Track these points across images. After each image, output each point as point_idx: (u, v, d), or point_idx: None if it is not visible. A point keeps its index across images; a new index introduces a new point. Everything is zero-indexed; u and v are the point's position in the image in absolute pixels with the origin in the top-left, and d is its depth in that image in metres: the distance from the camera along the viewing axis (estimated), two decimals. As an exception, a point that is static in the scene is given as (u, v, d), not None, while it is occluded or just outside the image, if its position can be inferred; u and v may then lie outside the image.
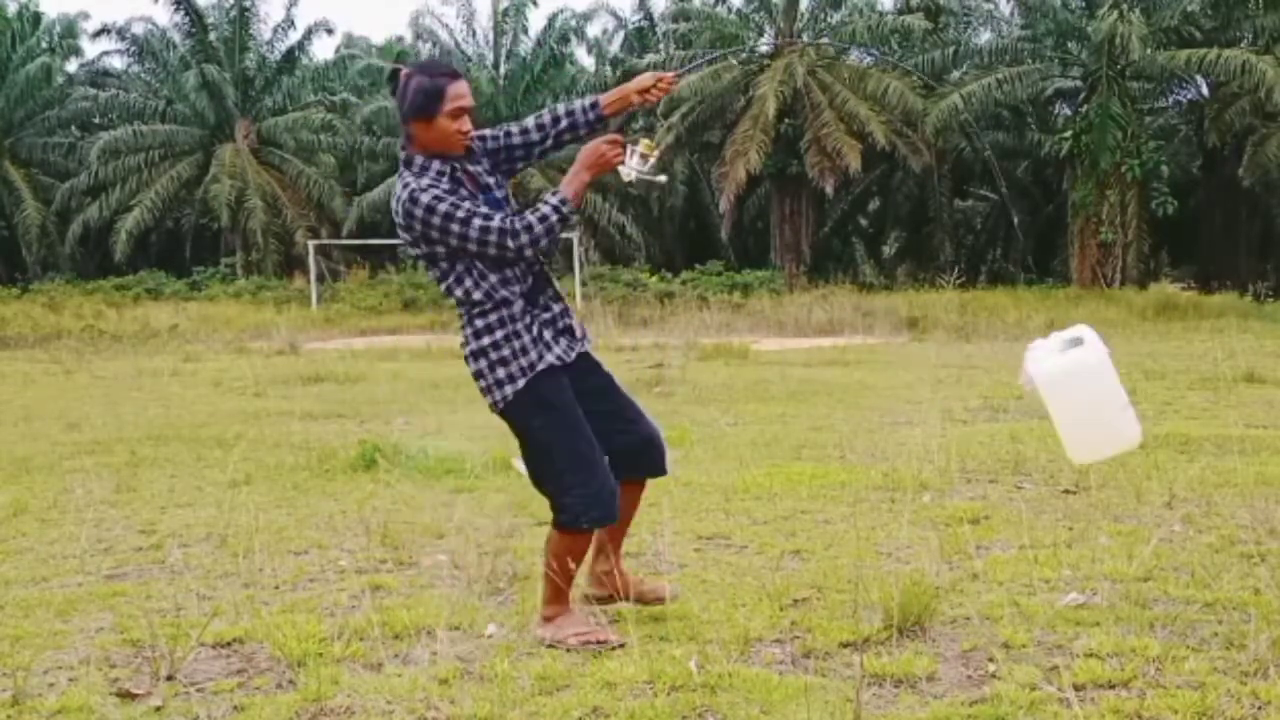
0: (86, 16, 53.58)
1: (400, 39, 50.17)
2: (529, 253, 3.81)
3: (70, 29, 43.39)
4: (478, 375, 3.90)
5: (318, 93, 41.18)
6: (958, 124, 31.97)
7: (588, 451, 3.86)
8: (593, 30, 40.92)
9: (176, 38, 39.03)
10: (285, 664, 3.86)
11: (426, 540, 5.59)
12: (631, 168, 3.90)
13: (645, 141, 3.94)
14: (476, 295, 3.82)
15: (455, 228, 3.73)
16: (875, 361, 16.03)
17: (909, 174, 35.95)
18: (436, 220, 3.73)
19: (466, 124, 3.83)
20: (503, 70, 37.73)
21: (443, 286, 3.89)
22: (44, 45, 42.13)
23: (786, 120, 32.24)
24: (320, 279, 33.72)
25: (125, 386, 14.25)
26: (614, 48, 40.69)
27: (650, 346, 18.23)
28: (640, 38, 39.83)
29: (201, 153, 37.81)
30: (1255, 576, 4.53)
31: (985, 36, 35.99)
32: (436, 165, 3.82)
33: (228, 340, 22.79)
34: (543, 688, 3.57)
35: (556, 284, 4.03)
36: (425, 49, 41.29)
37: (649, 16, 39.64)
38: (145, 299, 33.01)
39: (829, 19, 35.11)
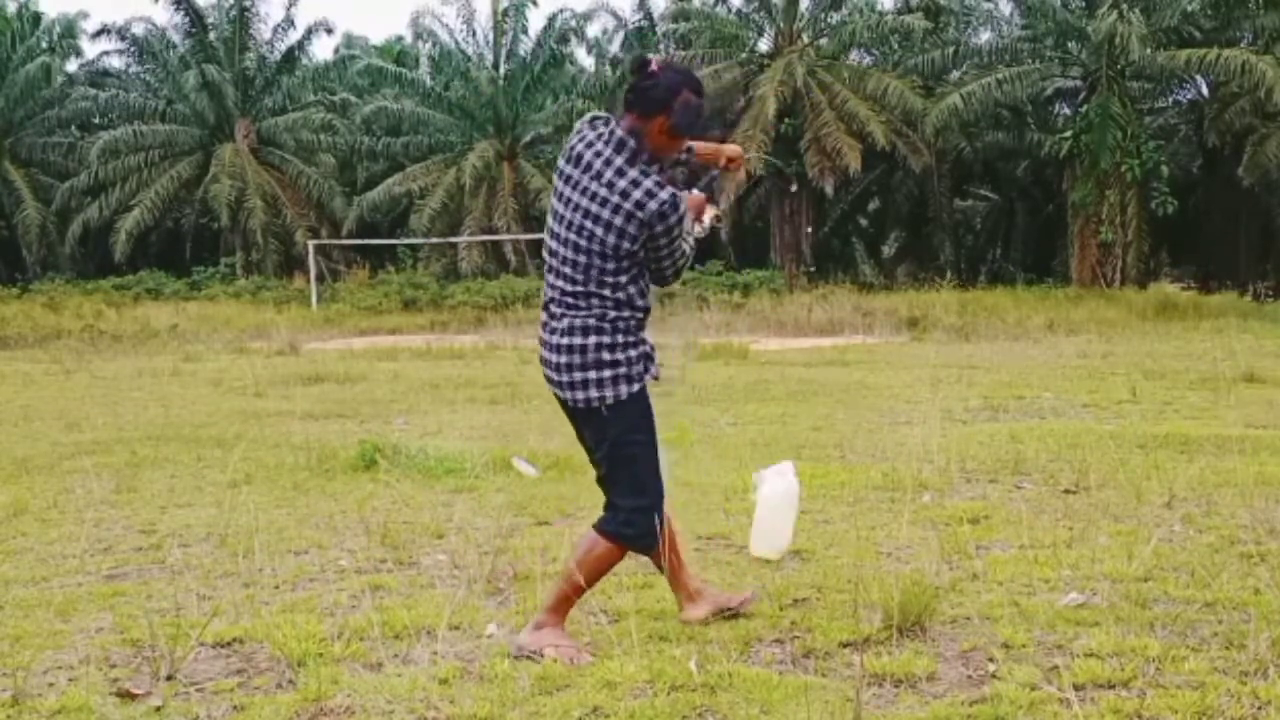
0: (86, 16, 53.63)
1: (400, 39, 50.25)
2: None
3: (70, 29, 43.36)
4: (603, 365, 3.82)
5: (318, 93, 41.15)
6: (957, 124, 31.98)
7: (660, 475, 3.92)
8: (592, 30, 40.83)
9: (176, 38, 39.03)
10: (285, 664, 3.86)
11: (426, 540, 5.59)
12: (703, 226, 4.13)
13: (716, 212, 4.23)
14: (640, 302, 3.86)
15: (677, 242, 3.83)
16: (875, 361, 16.03)
17: (909, 174, 35.96)
18: (678, 230, 3.80)
19: None
20: (503, 70, 37.72)
21: (599, 279, 3.79)
22: (44, 45, 42.11)
23: (786, 120, 32.24)
24: (320, 279, 33.72)
25: (125, 386, 14.25)
26: (614, 48, 40.65)
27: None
28: (640, 38, 39.78)
29: (201, 153, 37.81)
30: (1255, 576, 4.53)
31: (985, 36, 36.03)
32: (656, 171, 3.86)
33: (228, 340, 22.79)
34: (543, 688, 3.57)
35: None
36: (425, 49, 41.29)
37: (649, 16, 39.61)
38: (145, 299, 33.01)
39: (829, 19, 35.10)
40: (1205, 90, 34.12)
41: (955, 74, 33.46)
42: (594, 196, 3.77)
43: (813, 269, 34.06)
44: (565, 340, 3.83)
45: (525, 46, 38.09)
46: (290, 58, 39.24)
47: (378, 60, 42.76)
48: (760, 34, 35.42)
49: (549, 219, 3.94)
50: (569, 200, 3.83)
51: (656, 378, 3.93)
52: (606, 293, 3.79)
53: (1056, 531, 5.42)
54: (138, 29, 39.03)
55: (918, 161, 33.24)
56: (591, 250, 3.77)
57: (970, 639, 3.92)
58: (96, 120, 40.97)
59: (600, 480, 3.98)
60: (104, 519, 6.27)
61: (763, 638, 4.02)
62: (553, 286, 3.88)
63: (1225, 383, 11.67)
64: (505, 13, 37.40)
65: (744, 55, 34.00)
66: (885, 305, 25.91)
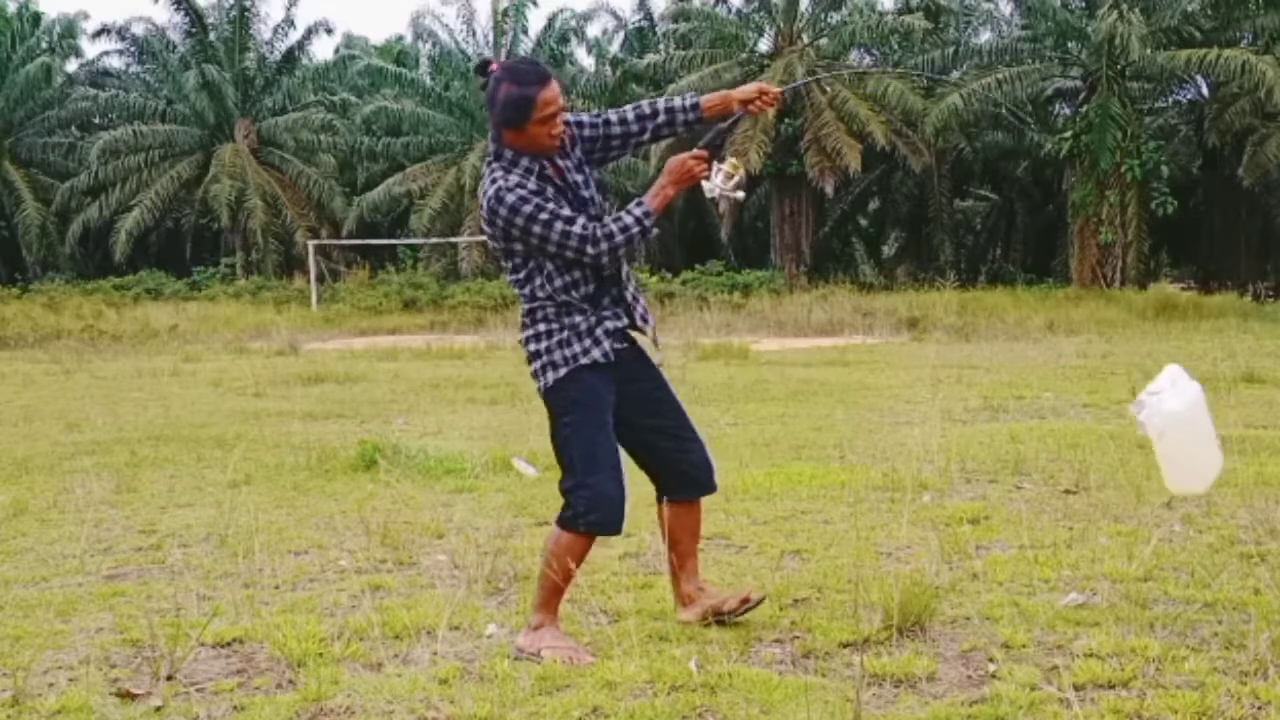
0: (86, 16, 53.71)
1: (400, 39, 50.26)
2: (605, 260, 3.84)
3: (70, 29, 43.40)
4: (533, 357, 3.96)
5: (318, 93, 41.17)
6: (957, 124, 31.97)
7: (604, 456, 3.87)
8: (592, 30, 40.94)
9: (176, 38, 39.05)
10: (285, 664, 3.86)
11: (426, 540, 5.59)
12: (715, 185, 3.96)
13: (731, 161, 3.99)
14: (540, 294, 3.87)
15: (536, 229, 3.77)
16: (875, 361, 16.03)
17: (909, 174, 35.95)
18: (519, 221, 3.77)
19: (557, 127, 3.82)
20: (503, 70, 37.70)
21: (512, 279, 3.96)
22: (44, 45, 42.15)
23: (786, 120, 32.25)
24: (320, 279, 33.72)
25: (125, 386, 14.25)
26: (614, 48, 40.71)
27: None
28: (640, 38, 39.82)
29: (201, 153, 37.82)
30: (1255, 576, 4.53)
31: (985, 36, 36.02)
32: (525, 162, 3.83)
33: (228, 340, 22.79)
34: (543, 688, 3.57)
35: (632, 284, 4.04)
36: (425, 49, 41.31)
37: (649, 16, 39.63)
38: (145, 299, 33.02)
39: (829, 19, 35.10)
40: (1205, 90, 34.10)
41: (955, 74, 33.46)
42: None
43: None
44: (518, 336, 4.06)
45: (525, 47, 38.07)
46: (290, 58, 39.26)
47: (378, 60, 42.78)
48: (760, 34, 35.41)
49: None
50: None
51: (603, 361, 3.90)
52: (517, 290, 3.95)
53: (1056, 531, 5.42)
54: (138, 29, 39.12)
55: (918, 161, 33.23)
56: (492, 254, 3.98)
57: (970, 639, 3.92)
58: (96, 120, 40.99)
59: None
60: (104, 519, 6.26)
61: (763, 638, 4.02)
62: None
63: (1225, 383, 11.66)
64: (505, 13, 37.41)
65: (744, 55, 33.98)
66: (885, 305, 25.91)
